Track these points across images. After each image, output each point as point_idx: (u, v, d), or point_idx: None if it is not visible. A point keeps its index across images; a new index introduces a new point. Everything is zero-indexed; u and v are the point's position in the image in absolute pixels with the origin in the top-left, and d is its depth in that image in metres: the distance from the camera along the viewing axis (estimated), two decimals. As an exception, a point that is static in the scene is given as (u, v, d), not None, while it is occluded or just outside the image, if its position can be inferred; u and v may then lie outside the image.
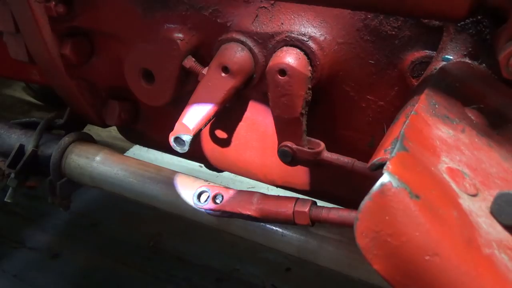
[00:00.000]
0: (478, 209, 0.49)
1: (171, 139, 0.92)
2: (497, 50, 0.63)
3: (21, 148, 1.19)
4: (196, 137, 0.93)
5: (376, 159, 0.53)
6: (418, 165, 0.49)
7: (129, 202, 1.14)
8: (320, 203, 0.86)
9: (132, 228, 2.13)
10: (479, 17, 0.72)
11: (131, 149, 2.52)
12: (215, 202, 0.90)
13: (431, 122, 0.58)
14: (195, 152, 1.16)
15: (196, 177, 1.06)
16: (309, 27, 0.87)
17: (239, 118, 1.08)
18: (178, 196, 1.03)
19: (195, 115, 0.92)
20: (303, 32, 0.87)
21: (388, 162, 0.46)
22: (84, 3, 1.07)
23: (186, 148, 0.92)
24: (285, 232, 0.95)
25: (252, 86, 0.97)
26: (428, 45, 0.80)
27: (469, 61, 0.74)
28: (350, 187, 1.00)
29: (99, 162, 1.13)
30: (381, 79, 0.87)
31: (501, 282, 0.42)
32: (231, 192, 0.90)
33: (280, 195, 0.89)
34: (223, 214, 0.90)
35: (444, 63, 0.74)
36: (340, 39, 0.87)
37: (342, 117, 0.96)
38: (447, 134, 0.57)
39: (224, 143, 1.12)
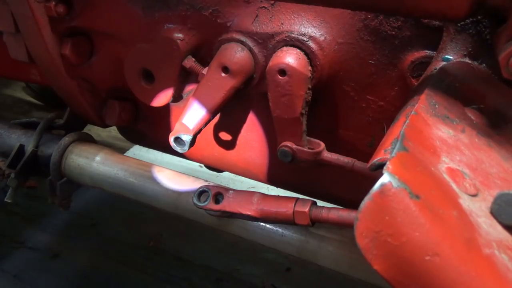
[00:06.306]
0: (478, 209, 0.49)
1: (171, 139, 0.92)
2: (497, 50, 0.63)
3: (21, 148, 1.19)
4: (196, 137, 0.93)
5: (376, 159, 0.53)
6: (418, 165, 0.49)
7: (129, 202, 1.14)
8: (320, 203, 0.86)
9: (132, 228, 2.13)
10: (479, 17, 0.72)
11: (131, 149, 2.52)
12: (215, 202, 0.90)
13: (431, 122, 0.58)
14: (195, 153, 1.17)
15: (196, 177, 1.06)
16: (309, 27, 0.87)
17: (239, 118, 1.08)
18: (178, 196, 1.03)
19: (195, 115, 0.92)
20: (303, 32, 0.87)
21: (388, 162, 0.46)
22: (84, 3, 1.07)
23: (186, 148, 0.92)
24: (285, 232, 0.95)
25: (252, 86, 0.97)
26: (428, 45, 0.80)
27: (469, 61, 0.74)
28: (350, 187, 1.00)
29: (99, 162, 1.13)
30: (381, 79, 0.87)
31: (501, 282, 0.42)
32: (231, 192, 0.90)
33: (280, 195, 0.89)
34: (223, 214, 0.90)
35: (444, 63, 0.74)
36: (340, 39, 0.87)
37: (342, 117, 0.96)
38: (447, 134, 0.57)
39: (224, 143, 1.12)
